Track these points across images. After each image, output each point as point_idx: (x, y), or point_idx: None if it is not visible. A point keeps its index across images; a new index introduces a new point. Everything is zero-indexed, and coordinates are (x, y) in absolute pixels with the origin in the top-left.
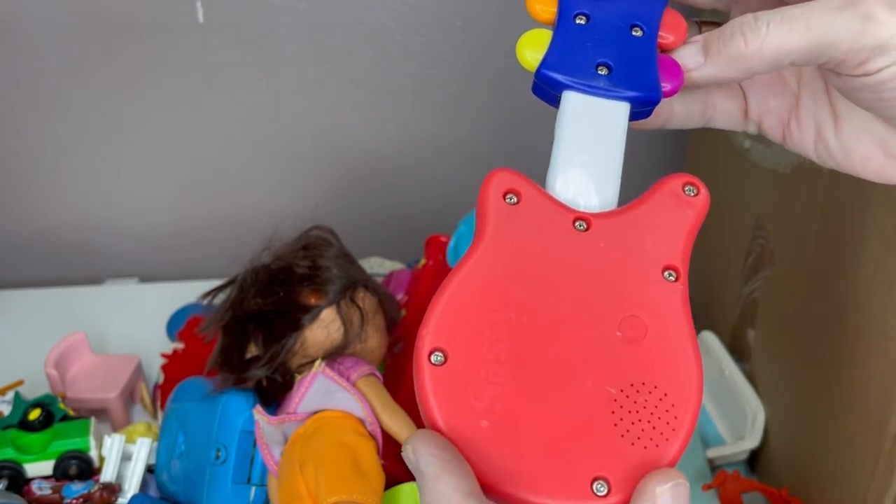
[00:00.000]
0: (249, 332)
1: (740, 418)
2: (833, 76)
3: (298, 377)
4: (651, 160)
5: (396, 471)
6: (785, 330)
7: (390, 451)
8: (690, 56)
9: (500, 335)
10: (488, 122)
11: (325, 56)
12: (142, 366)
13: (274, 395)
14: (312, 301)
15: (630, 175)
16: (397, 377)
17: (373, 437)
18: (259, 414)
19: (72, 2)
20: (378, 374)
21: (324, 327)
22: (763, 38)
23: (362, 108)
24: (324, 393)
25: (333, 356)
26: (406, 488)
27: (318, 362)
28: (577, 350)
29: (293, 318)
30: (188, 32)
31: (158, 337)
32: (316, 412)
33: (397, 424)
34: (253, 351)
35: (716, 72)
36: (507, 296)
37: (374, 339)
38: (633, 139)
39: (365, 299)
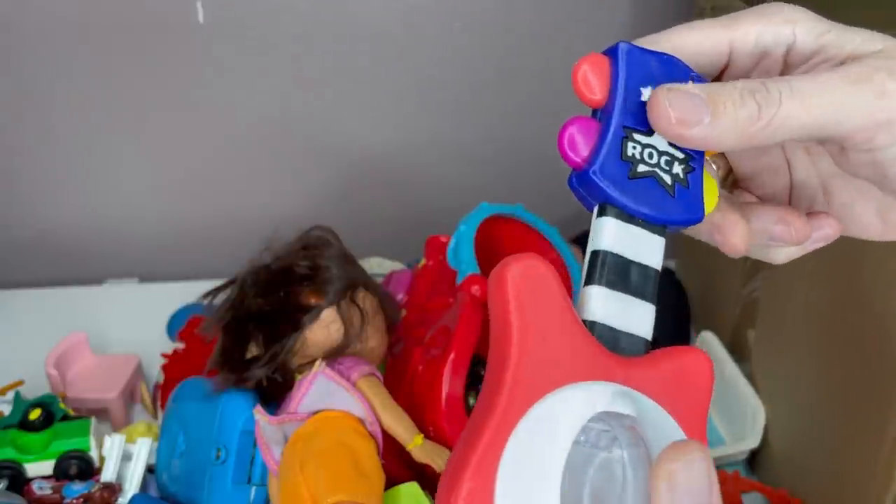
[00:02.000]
0: (250, 332)
1: (740, 418)
2: (836, 152)
3: (299, 377)
4: None
5: (397, 471)
6: (785, 330)
7: (391, 450)
8: (693, 110)
9: None
10: (488, 122)
11: (326, 56)
12: (142, 366)
13: (274, 394)
14: (313, 301)
15: None
16: (397, 377)
17: (373, 437)
18: (259, 414)
19: (72, 2)
20: (378, 374)
21: (324, 327)
22: (777, 110)
23: (362, 107)
24: (324, 393)
25: (334, 356)
26: (406, 488)
27: (318, 362)
28: None
29: (294, 318)
30: (188, 32)
31: (158, 337)
32: (316, 412)
33: (398, 424)
34: (253, 351)
35: (715, 135)
36: None
37: (374, 340)
38: None
39: (365, 299)
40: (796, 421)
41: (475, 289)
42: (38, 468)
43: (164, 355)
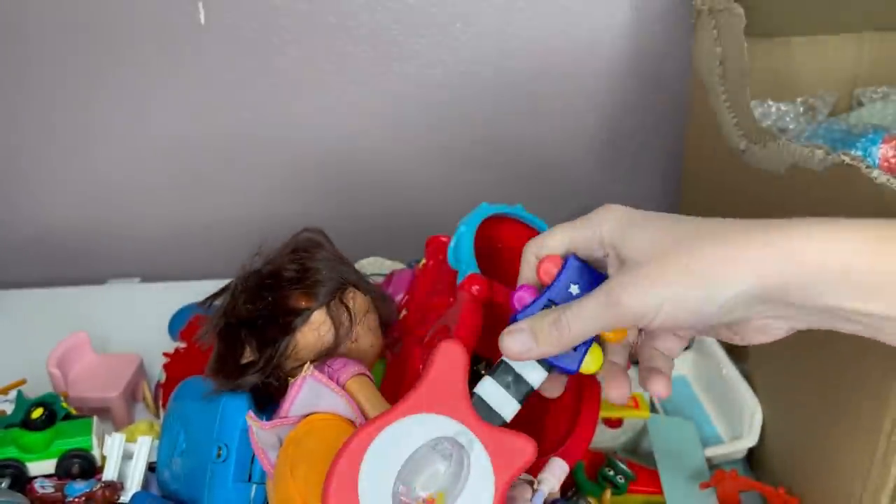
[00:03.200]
0: (243, 338)
1: (738, 417)
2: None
3: (291, 381)
4: (649, 162)
5: None
6: None
7: None
8: (524, 343)
9: None
10: (488, 123)
11: (326, 57)
12: (144, 365)
13: (271, 397)
14: (303, 304)
15: (630, 175)
16: (397, 377)
17: None
18: (252, 420)
19: (74, 2)
20: (369, 374)
21: (314, 329)
22: (570, 329)
23: (363, 108)
24: (313, 395)
25: (325, 358)
26: None
27: (307, 365)
28: None
29: (284, 321)
30: (190, 33)
31: (160, 336)
32: (307, 415)
33: None
34: (248, 356)
35: (540, 352)
36: None
37: (365, 339)
38: (632, 144)
39: (355, 299)
40: (793, 419)
41: (475, 288)
42: (40, 467)
43: (166, 354)
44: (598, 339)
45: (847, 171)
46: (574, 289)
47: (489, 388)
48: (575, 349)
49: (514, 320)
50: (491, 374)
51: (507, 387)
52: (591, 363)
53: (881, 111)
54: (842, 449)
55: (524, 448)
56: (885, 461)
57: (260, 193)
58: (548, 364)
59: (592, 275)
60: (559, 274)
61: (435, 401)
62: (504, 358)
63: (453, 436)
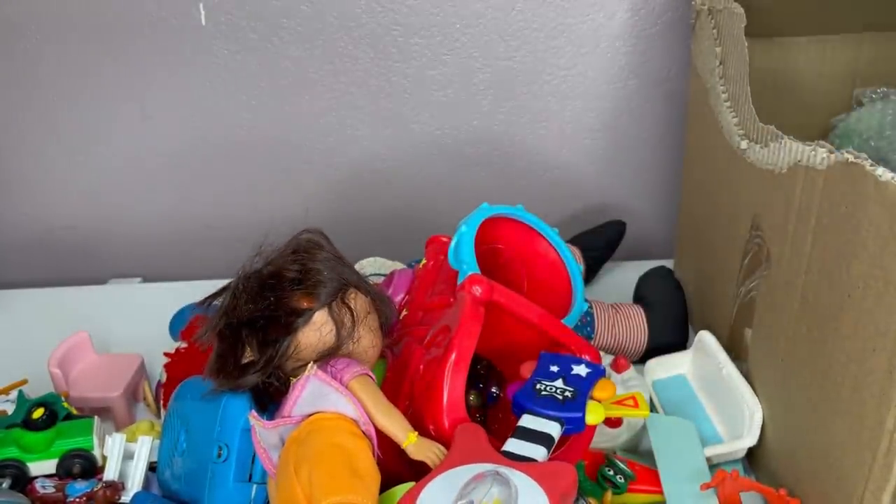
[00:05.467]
0: (243, 338)
1: (738, 417)
2: None
3: (293, 380)
4: (649, 161)
5: (398, 468)
6: (782, 329)
7: (391, 449)
8: None
9: None
10: (488, 123)
11: (327, 58)
12: (145, 365)
13: (272, 397)
14: (304, 304)
15: (630, 175)
16: (398, 377)
17: (367, 437)
18: (255, 419)
19: (75, 3)
20: (371, 374)
21: (316, 330)
22: None
23: (363, 109)
24: (317, 395)
25: (327, 358)
26: (403, 489)
27: (310, 365)
28: None
29: (286, 322)
30: (191, 34)
31: (161, 336)
32: (310, 415)
33: (391, 423)
34: (249, 356)
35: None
36: None
37: (366, 339)
38: (632, 144)
39: (356, 300)
40: (793, 419)
41: (476, 289)
42: (41, 467)
43: (167, 354)
44: (591, 398)
45: (850, 169)
46: (554, 368)
47: (512, 444)
48: (576, 400)
49: (516, 404)
50: (512, 435)
51: (529, 439)
52: (593, 418)
53: (881, 111)
54: (843, 447)
55: (564, 467)
56: (886, 459)
57: (260, 193)
58: (552, 417)
59: (564, 357)
60: (537, 366)
61: (468, 458)
62: (519, 424)
63: (493, 470)
